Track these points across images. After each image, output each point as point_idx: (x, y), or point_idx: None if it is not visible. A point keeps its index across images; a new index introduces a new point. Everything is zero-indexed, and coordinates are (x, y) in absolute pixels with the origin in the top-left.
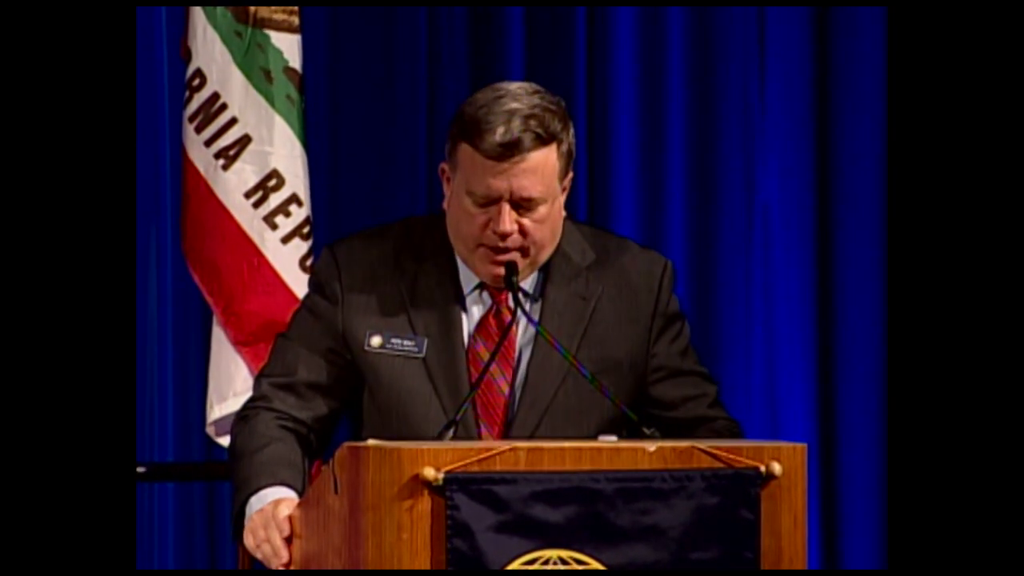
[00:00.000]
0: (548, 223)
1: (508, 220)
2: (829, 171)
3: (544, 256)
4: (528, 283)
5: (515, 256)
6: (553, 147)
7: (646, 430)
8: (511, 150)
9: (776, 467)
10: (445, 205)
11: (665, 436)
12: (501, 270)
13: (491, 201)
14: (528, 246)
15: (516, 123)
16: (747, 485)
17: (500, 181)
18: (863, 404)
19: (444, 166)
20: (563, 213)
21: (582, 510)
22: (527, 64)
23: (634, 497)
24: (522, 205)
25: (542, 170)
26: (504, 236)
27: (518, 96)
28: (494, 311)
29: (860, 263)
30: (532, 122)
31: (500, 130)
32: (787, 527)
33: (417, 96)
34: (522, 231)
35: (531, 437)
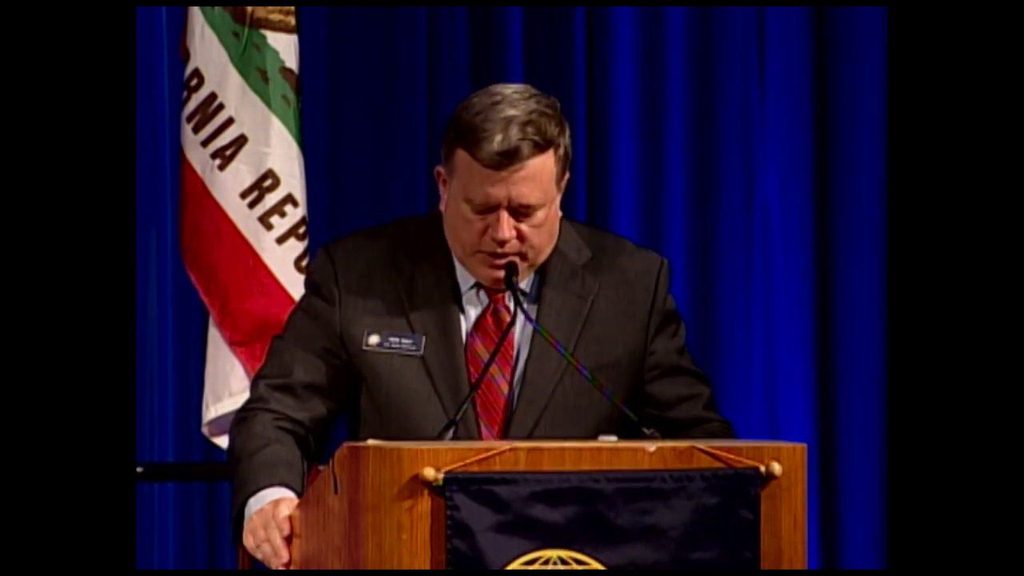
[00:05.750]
0: (546, 227)
1: (507, 228)
2: (829, 171)
3: (542, 258)
4: (525, 283)
5: (514, 260)
6: (550, 152)
7: (646, 430)
8: (509, 159)
9: (776, 467)
10: (442, 207)
11: (661, 436)
12: (500, 273)
13: (489, 208)
14: (526, 251)
15: (514, 131)
16: (747, 485)
17: (498, 189)
18: (863, 404)
19: (440, 169)
20: (559, 214)
21: (582, 510)
22: (527, 64)
23: (634, 497)
24: (520, 212)
25: (540, 176)
26: (502, 243)
27: (514, 102)
28: (491, 310)
29: (860, 263)
30: (529, 129)
31: (498, 138)
32: (787, 527)
33: (417, 96)
34: (520, 236)
35: (530, 435)
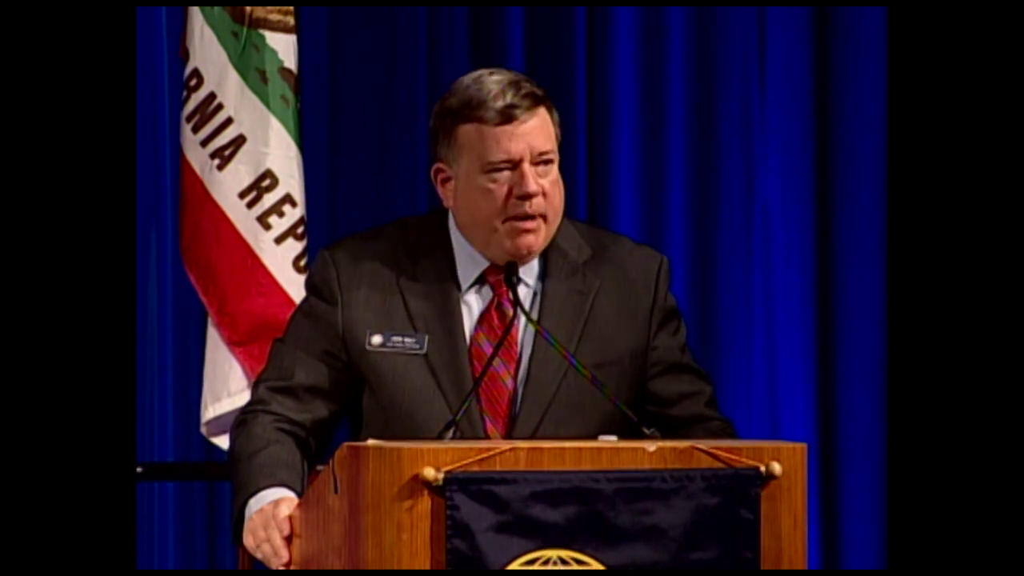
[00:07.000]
0: (559, 186)
1: (533, 180)
2: (829, 171)
3: (555, 226)
4: (529, 278)
5: (539, 224)
6: (545, 108)
7: (646, 430)
8: (516, 110)
9: (776, 467)
10: (449, 204)
11: (662, 434)
12: (532, 237)
13: (512, 165)
14: (547, 212)
15: (509, 90)
16: (747, 485)
17: (517, 143)
18: (863, 404)
19: (440, 165)
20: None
21: (582, 510)
22: (527, 64)
23: (634, 497)
24: (541, 162)
25: (546, 126)
26: (530, 197)
27: (495, 71)
28: (495, 304)
29: (860, 263)
30: (524, 84)
31: (499, 99)
32: (787, 527)
33: (417, 96)
34: (543, 193)
35: (535, 432)
